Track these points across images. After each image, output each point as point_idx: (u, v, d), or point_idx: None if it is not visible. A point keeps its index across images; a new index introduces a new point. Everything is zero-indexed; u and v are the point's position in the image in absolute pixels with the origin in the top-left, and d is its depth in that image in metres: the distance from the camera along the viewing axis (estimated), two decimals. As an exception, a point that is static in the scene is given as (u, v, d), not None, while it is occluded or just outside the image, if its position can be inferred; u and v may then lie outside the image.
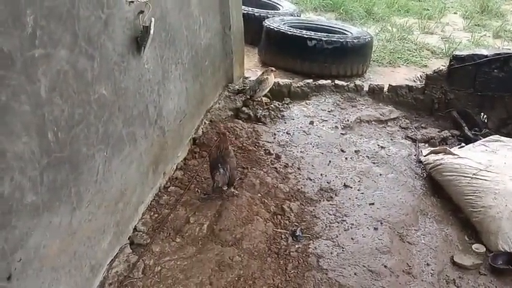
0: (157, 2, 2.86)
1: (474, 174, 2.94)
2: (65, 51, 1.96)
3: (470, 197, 2.88)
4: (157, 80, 2.89)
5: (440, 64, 5.27)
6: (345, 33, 5.41)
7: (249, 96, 4.13)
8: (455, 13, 8.68)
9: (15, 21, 1.68)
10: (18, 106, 1.70)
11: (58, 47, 1.92)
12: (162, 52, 2.94)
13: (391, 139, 3.88)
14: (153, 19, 2.60)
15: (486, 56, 3.97)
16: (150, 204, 2.85)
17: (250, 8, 5.73)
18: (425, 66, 5.89)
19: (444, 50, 6.43)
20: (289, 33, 5.06)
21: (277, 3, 6.42)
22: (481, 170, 2.95)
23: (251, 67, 5.20)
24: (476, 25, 7.95)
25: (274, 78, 4.21)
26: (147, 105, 2.78)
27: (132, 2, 2.53)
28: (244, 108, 4.09)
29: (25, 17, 1.73)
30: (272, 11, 6.00)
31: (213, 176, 2.90)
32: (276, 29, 5.14)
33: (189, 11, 3.36)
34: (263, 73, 4.20)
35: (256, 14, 5.68)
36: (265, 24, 5.26)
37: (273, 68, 4.29)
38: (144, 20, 2.60)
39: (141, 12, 2.61)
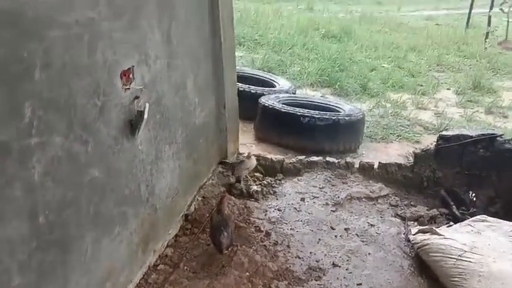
0: (154, 87, 3.04)
1: (459, 255, 2.98)
2: (60, 138, 2.09)
3: (456, 279, 2.91)
4: (151, 159, 3.01)
5: (433, 140, 5.42)
6: (338, 111, 5.61)
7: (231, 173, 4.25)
8: (448, 89, 8.95)
9: (13, 113, 1.82)
10: (11, 192, 1.81)
11: (53, 134, 2.05)
12: (156, 133, 3.08)
13: (381, 217, 3.94)
14: (147, 104, 2.76)
15: (471, 137, 4.11)
16: (139, 283, 2.88)
17: (246, 86, 5.98)
18: (418, 142, 6.04)
19: (437, 126, 6.60)
20: (284, 110, 5.26)
21: (274, 80, 6.69)
22: (465, 251, 2.99)
23: (246, 143, 5.35)
24: (468, 101, 8.18)
25: (254, 162, 4.30)
26: (139, 184, 2.89)
27: (128, 88, 2.70)
28: (237, 184, 4.19)
29: (24, 108, 1.88)
30: (268, 88, 6.24)
31: (218, 238, 3.05)
32: (270, 106, 5.35)
33: (184, 93, 3.54)
34: (245, 156, 4.33)
35: (252, 91, 5.92)
36: (261, 102, 5.48)
37: (253, 154, 4.39)
38: (139, 105, 2.76)
39: (137, 97, 2.77)
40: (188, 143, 3.62)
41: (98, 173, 2.41)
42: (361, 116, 5.43)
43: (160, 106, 3.15)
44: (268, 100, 5.49)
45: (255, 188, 4.16)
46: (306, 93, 7.78)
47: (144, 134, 2.89)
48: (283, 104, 5.50)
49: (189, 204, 3.68)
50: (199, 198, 3.83)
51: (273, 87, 6.45)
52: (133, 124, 2.75)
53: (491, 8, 11.54)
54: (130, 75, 2.73)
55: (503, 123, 7.22)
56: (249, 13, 13.50)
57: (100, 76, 2.44)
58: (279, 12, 14.66)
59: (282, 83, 6.62)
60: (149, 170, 3.00)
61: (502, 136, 4.13)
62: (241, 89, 5.73)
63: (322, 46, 10.71)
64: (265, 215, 3.83)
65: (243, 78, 6.22)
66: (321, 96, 7.70)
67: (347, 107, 5.73)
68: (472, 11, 13.36)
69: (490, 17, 11.53)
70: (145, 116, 2.74)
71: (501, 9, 11.55)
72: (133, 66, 2.74)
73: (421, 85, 8.96)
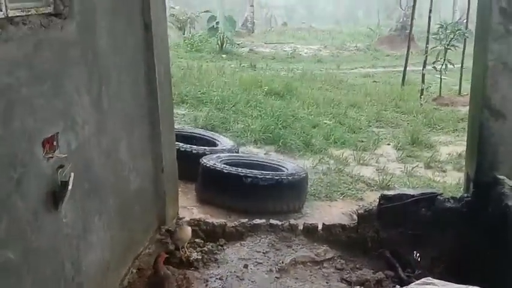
0: (82, 153, 2.84)
1: (407, 324, 2.86)
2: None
3: None
4: (77, 233, 2.76)
5: (375, 197, 5.42)
6: (281, 170, 5.54)
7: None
8: (388, 144, 9.14)
9: None
10: None
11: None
12: (83, 204, 2.84)
13: (327, 282, 3.80)
14: (72, 174, 2.54)
15: (413, 196, 4.11)
16: None
17: (188, 145, 5.83)
18: (361, 199, 6.02)
19: (379, 182, 6.65)
20: (226, 171, 5.13)
21: (216, 139, 6.59)
22: (413, 319, 2.88)
23: (188, 205, 5.15)
24: (408, 156, 8.36)
25: (189, 232, 4.05)
26: (64, 261, 2.62)
27: (51, 157, 2.49)
28: (176, 252, 3.95)
29: None
30: (210, 148, 6.12)
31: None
32: (212, 166, 5.21)
33: (117, 158, 3.35)
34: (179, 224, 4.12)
35: (193, 151, 5.77)
36: (202, 162, 5.33)
37: (186, 224, 4.16)
38: (63, 175, 2.54)
39: (61, 166, 2.56)
40: (121, 211, 3.38)
41: (12, 255, 2.15)
42: (304, 175, 5.38)
43: (89, 173, 2.93)
44: (210, 160, 5.36)
45: (195, 255, 3.93)
46: (250, 151, 7.72)
47: (70, 206, 2.66)
48: (225, 163, 5.37)
49: (122, 279, 3.40)
50: (134, 271, 3.56)
51: (215, 146, 6.33)
52: (56, 196, 2.52)
53: (424, 66, 12.12)
54: (54, 143, 2.53)
55: (442, 178, 7.39)
56: (192, 71, 13.54)
57: (17, 146, 2.23)
58: (222, 70, 14.80)
59: (224, 141, 6.53)
60: (75, 245, 2.74)
61: (442, 195, 4.16)
62: (182, 149, 5.57)
63: (265, 103, 10.79)
64: (206, 285, 3.60)
65: (184, 138, 6.08)
66: (265, 154, 7.66)
67: (290, 166, 5.67)
68: (407, 68, 14.02)
69: (423, 75, 12.10)
70: (70, 186, 2.52)
71: (434, 67, 12.15)
72: (57, 133, 2.55)
73: (362, 141, 9.11)
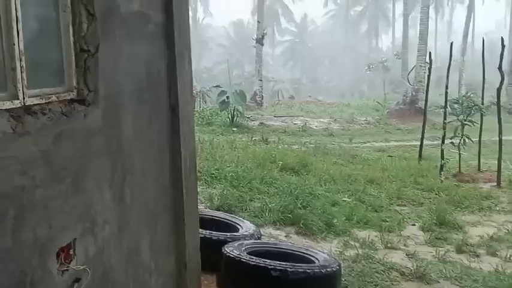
0: (100, 260, 2.41)
1: None
2: None
3: None
4: None
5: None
6: (311, 260, 5.04)
7: None
8: (413, 225, 8.66)
9: None
10: None
11: None
12: (100, 319, 2.38)
13: None
14: (90, 290, 2.11)
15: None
16: None
17: (208, 231, 5.39)
18: (398, 292, 5.49)
19: (413, 271, 6.11)
20: (252, 263, 4.64)
21: (236, 223, 6.14)
22: None
23: (208, 301, 4.63)
24: (437, 238, 7.85)
25: None
26: None
27: (67, 269, 2.07)
28: None
29: None
30: (231, 234, 5.66)
31: None
32: (237, 258, 4.73)
33: (138, 260, 2.91)
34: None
35: (214, 238, 5.32)
36: (225, 252, 4.86)
37: None
38: (80, 289, 2.11)
39: (77, 280, 2.13)
40: (141, 322, 2.90)
41: None
42: (337, 267, 4.87)
43: (107, 283, 2.49)
44: (233, 250, 4.88)
45: None
46: (270, 233, 7.25)
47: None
48: (249, 253, 4.89)
49: None
50: None
51: (237, 231, 5.87)
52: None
53: (443, 141, 11.82)
54: (70, 251, 2.12)
55: (478, 264, 6.84)
56: (204, 145, 13.32)
57: (28, 261, 1.82)
58: (234, 143, 14.59)
59: (246, 225, 6.06)
60: None
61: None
62: (202, 235, 5.11)
63: (281, 180, 10.43)
64: None
65: (203, 222, 5.63)
66: (285, 237, 7.19)
67: (320, 256, 5.17)
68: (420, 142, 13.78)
69: (442, 150, 11.76)
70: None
71: (452, 142, 11.86)
72: (74, 239, 2.14)
73: (386, 221, 8.63)
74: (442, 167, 11.56)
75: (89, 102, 2.37)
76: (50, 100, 2.13)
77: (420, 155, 13.25)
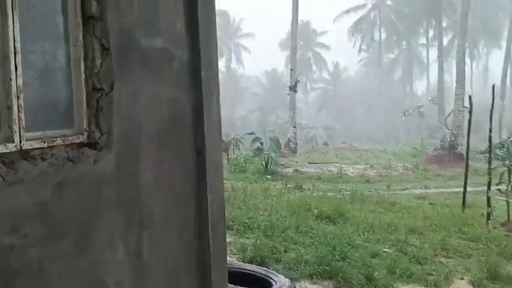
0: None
1: None
2: None
3: None
4: None
5: None
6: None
7: None
8: (462, 279, 7.96)
9: None
10: None
11: None
12: None
13: None
14: None
15: None
16: None
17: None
18: None
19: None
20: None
21: (270, 277, 5.68)
22: None
23: None
24: (493, 294, 7.16)
25: None
26: None
27: None
28: None
29: None
30: (264, 291, 5.22)
31: None
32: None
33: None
34: None
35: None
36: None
37: None
38: None
39: None
40: None
41: None
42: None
43: None
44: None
45: None
46: (306, 288, 6.74)
47: None
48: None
49: None
50: None
51: (270, 286, 5.42)
52: None
53: (489, 188, 11.13)
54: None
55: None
56: (237, 193, 13.00)
57: None
58: (267, 191, 14.21)
59: (281, 281, 5.60)
60: None
61: None
62: (233, 293, 4.71)
63: (316, 229, 9.91)
64: None
65: (233, 276, 5.21)
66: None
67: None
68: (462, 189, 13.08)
69: (488, 198, 11.05)
70: None
71: (498, 189, 11.16)
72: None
73: (431, 274, 7.97)
74: (489, 215, 10.83)
75: (101, 146, 2.09)
76: (54, 144, 1.86)
77: (464, 203, 12.50)
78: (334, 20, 57.46)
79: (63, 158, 1.84)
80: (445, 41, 45.33)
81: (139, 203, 2.38)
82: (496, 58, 55.04)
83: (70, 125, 2.05)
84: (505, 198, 11.14)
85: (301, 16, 31.31)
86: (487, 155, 11.56)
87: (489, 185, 10.96)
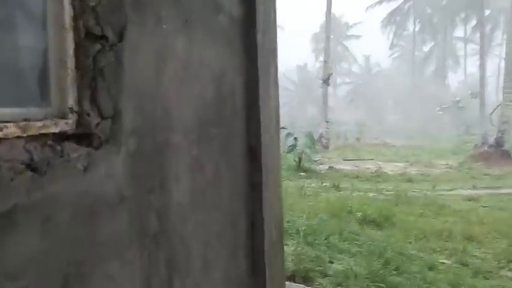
0: None
1: None
2: None
3: None
4: None
5: None
6: None
7: None
8: (537, 298, 6.82)
9: None
10: None
11: None
12: None
13: None
14: None
15: None
16: None
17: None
18: None
19: None
20: None
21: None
22: None
23: None
24: None
25: None
26: None
27: None
28: None
29: None
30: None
31: None
32: None
33: None
34: None
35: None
36: None
37: None
38: None
39: None
40: None
41: None
42: None
43: None
44: None
45: None
46: (360, 310, 5.73)
47: None
48: None
49: None
50: None
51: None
52: None
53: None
54: None
55: None
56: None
57: None
58: (303, 190, 13.22)
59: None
60: None
61: None
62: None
63: (362, 235, 8.88)
64: None
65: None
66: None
67: None
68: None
69: (557, 202, 9.78)
70: None
71: None
72: None
73: (501, 291, 6.88)
74: (557, 221, 9.55)
75: (100, 141, 1.13)
76: (3, 134, 0.90)
77: (524, 206, 11.23)
78: (366, 10, 55.74)
79: (19, 163, 0.89)
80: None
81: (166, 236, 1.42)
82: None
83: (42, 100, 1.10)
84: None
85: (334, 9, 29.99)
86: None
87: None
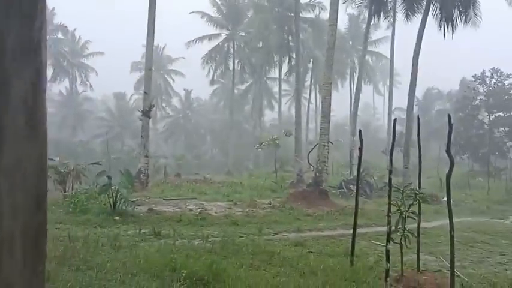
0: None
1: None
2: None
3: None
4: None
5: None
6: None
7: None
8: None
9: None
10: None
11: None
12: None
13: None
14: None
15: None
16: None
17: None
18: None
19: None
20: None
21: None
22: None
23: None
24: None
25: None
26: None
27: None
28: None
29: None
30: None
31: None
32: None
33: None
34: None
35: None
36: None
37: None
38: None
39: None
40: None
41: None
42: None
43: None
44: None
45: None
46: None
47: None
48: None
49: None
50: None
51: None
52: None
53: (388, 240, 9.53)
54: None
55: None
56: (75, 245, 9.79)
57: None
58: (117, 240, 11.11)
59: None
60: None
61: None
62: None
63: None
64: None
65: None
66: None
67: None
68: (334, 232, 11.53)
69: (388, 251, 9.45)
70: None
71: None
72: None
73: None
74: (388, 271, 9.17)
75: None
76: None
77: (352, 253, 10.82)
78: (188, 46, 55.66)
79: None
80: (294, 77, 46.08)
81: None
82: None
83: None
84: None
85: (156, 40, 28.52)
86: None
87: (388, 236, 9.35)
